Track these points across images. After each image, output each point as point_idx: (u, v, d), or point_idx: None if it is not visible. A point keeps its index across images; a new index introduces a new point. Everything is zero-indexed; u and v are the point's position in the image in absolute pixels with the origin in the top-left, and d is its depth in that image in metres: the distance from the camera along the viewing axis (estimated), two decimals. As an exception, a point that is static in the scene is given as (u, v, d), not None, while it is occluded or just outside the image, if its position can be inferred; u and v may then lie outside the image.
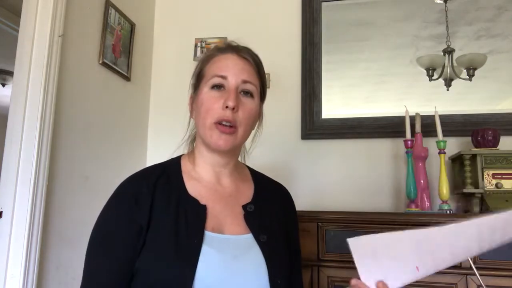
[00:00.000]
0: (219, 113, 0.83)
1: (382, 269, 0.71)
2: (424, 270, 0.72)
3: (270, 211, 0.91)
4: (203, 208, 0.83)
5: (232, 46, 0.91)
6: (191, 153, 0.94)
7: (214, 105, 0.84)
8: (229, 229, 0.84)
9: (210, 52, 0.92)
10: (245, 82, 0.86)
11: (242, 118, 0.84)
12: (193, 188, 0.87)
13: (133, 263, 0.78)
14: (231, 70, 0.86)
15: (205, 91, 0.86)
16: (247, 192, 0.93)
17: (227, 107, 0.82)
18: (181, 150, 0.99)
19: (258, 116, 0.93)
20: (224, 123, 0.83)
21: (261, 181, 0.98)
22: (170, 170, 0.89)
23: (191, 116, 0.94)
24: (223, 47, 0.91)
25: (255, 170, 1.02)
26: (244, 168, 0.99)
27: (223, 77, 0.85)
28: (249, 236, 0.84)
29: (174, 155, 0.96)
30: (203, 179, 0.89)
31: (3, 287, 1.25)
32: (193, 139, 0.97)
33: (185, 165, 0.91)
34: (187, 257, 0.76)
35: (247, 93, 0.87)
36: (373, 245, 0.71)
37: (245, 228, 0.85)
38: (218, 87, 0.85)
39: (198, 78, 0.91)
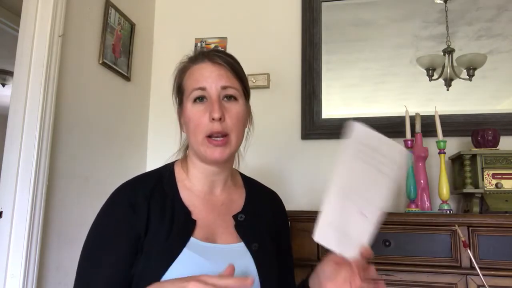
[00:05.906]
0: (208, 126, 0.82)
1: (348, 236, 0.70)
2: (367, 211, 0.70)
3: (261, 219, 0.92)
4: (193, 222, 0.84)
5: (203, 53, 0.89)
6: (184, 161, 0.93)
7: (200, 119, 0.83)
8: (221, 239, 0.85)
9: (183, 64, 0.91)
10: (224, 87, 0.85)
11: (231, 124, 0.84)
12: (187, 198, 0.87)
13: (130, 269, 0.78)
14: (208, 79, 0.84)
15: (189, 106, 0.86)
16: (238, 200, 0.93)
17: (213, 119, 0.82)
18: (177, 156, 0.98)
19: (247, 116, 0.92)
20: (214, 136, 0.83)
21: (252, 188, 0.98)
22: (165, 178, 0.89)
23: (181, 130, 0.93)
24: (195, 57, 0.89)
25: (247, 177, 1.02)
26: (236, 175, 1.00)
27: (202, 89, 0.84)
28: (241, 245, 0.85)
29: (169, 161, 0.96)
30: (196, 188, 0.89)
31: (3, 287, 1.25)
32: (186, 147, 0.96)
33: (179, 173, 0.91)
34: (163, 258, 0.77)
35: (230, 97, 0.86)
36: (328, 223, 0.71)
37: (236, 237, 0.86)
38: (200, 99, 0.85)
39: (179, 92, 0.91)
